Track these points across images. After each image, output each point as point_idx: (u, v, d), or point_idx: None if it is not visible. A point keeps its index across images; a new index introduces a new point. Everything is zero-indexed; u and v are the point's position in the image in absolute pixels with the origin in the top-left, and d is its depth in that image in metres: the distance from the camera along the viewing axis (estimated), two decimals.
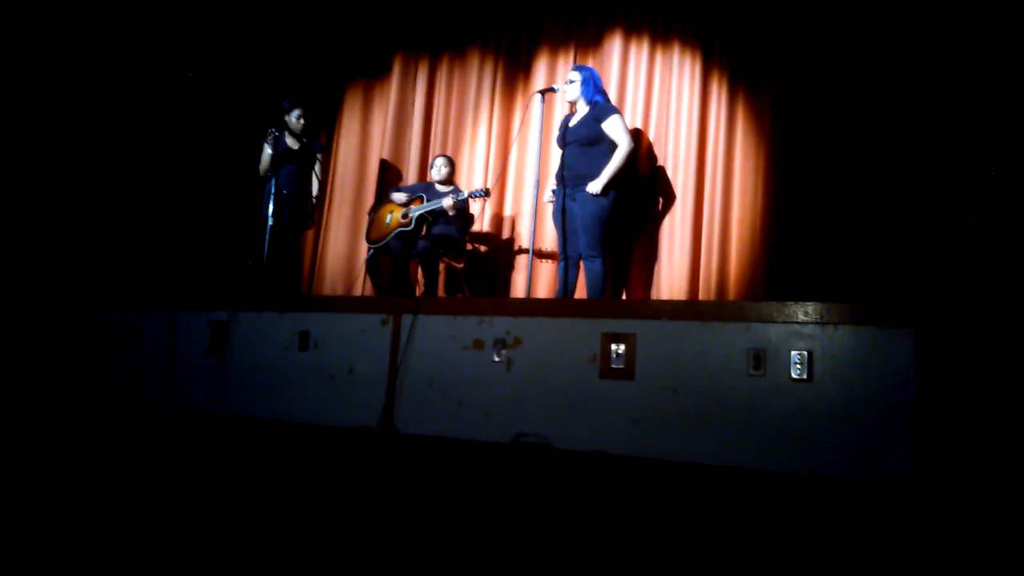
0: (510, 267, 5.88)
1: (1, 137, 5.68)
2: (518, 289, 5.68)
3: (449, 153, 6.10)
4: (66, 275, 5.72)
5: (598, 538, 2.74)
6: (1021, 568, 2.48)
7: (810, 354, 3.22)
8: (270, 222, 5.27)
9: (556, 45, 5.93)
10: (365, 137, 6.69)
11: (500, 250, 5.96)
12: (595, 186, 4.61)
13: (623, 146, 4.69)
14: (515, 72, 6.14)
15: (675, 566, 2.41)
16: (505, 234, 5.96)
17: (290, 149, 5.63)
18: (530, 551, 2.49)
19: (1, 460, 3.56)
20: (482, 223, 5.97)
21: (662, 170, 5.36)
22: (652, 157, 5.42)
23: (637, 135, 5.35)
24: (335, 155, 6.74)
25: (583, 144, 4.75)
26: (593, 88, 4.86)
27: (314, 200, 5.89)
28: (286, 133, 5.60)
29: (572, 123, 4.88)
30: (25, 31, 5.73)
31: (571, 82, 4.89)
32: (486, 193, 5.26)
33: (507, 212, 5.98)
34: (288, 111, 5.64)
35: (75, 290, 5.53)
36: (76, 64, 5.97)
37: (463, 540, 2.59)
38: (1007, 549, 2.63)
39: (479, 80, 6.20)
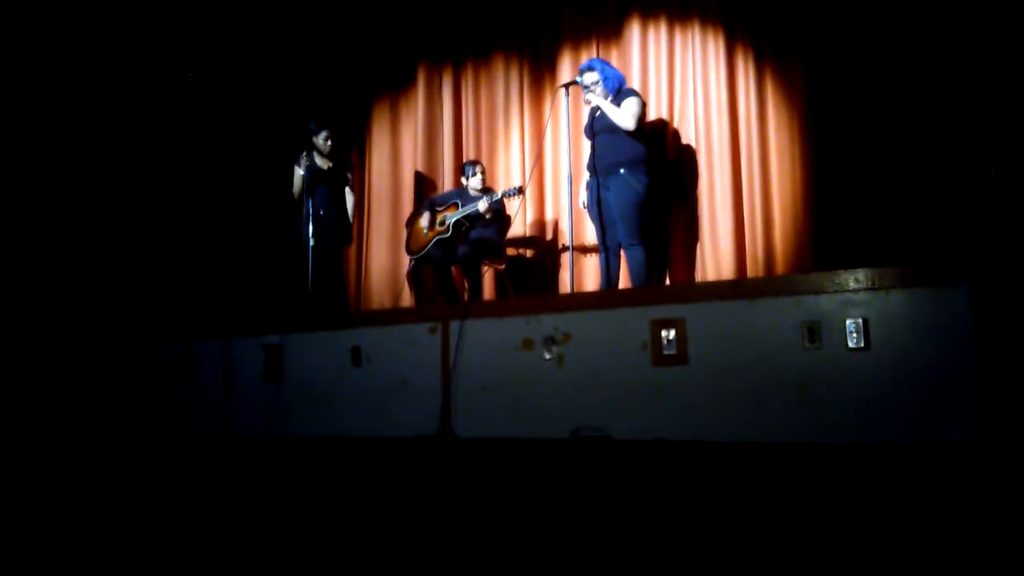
0: (553, 265, 5.88)
1: (53, 181, 5.85)
2: (563, 286, 5.68)
3: (483, 157, 6.13)
4: (117, 312, 5.85)
5: (665, 523, 2.73)
6: None
7: (865, 321, 3.16)
8: (311, 243, 5.35)
9: (577, 40, 5.92)
10: (396, 150, 6.75)
11: (542, 249, 5.96)
12: (593, 97, 4.71)
13: (625, 120, 4.67)
14: (540, 71, 6.14)
15: (746, 545, 2.39)
16: (545, 232, 5.96)
17: (321, 169, 5.69)
18: (599, 540, 2.48)
19: (75, 494, 3.66)
20: (524, 224, 5.98)
21: (694, 151, 5.31)
22: (683, 140, 5.38)
23: (663, 123, 5.33)
24: (368, 170, 6.81)
25: (611, 130, 4.72)
26: (613, 79, 4.83)
27: (350, 217, 5.96)
28: (315, 154, 5.67)
29: (599, 113, 4.86)
30: (58, 74, 5.89)
31: (595, 82, 4.80)
32: (520, 191, 5.27)
33: (546, 210, 5.98)
34: (316, 133, 5.71)
35: (127, 327, 5.66)
36: (114, 103, 6.11)
37: (531, 535, 2.60)
38: None
39: (506, 83, 6.22)
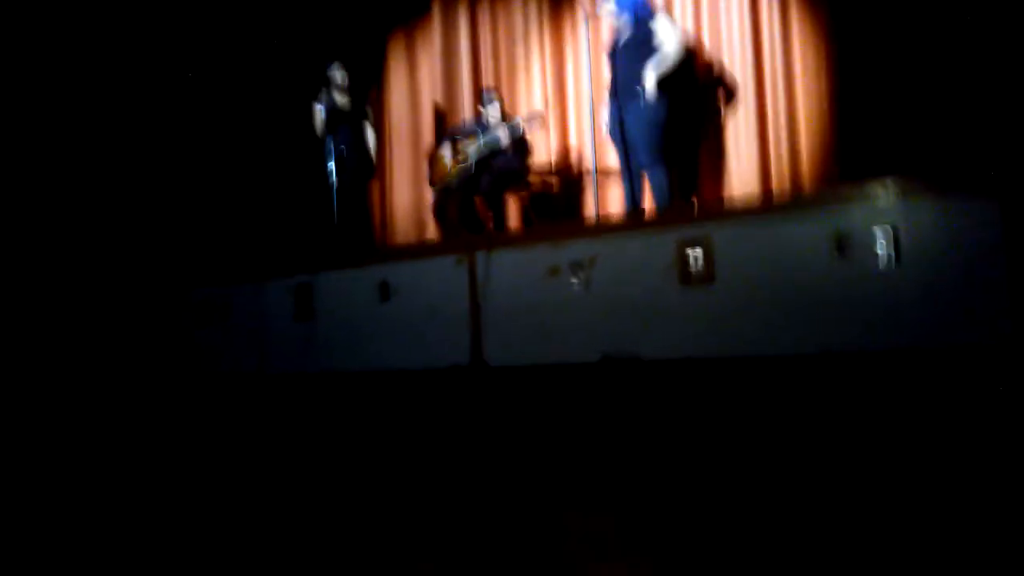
0: (577, 191, 5.84)
1: (91, 134, 5.92)
2: (588, 212, 5.65)
3: (503, 86, 6.05)
4: (153, 258, 5.95)
5: (698, 441, 2.76)
6: None
7: (895, 231, 3.12)
8: (334, 181, 5.36)
9: None
10: (414, 84, 6.69)
11: (565, 176, 5.92)
12: (648, 83, 4.49)
13: (671, 44, 4.55)
14: None
15: (780, 460, 2.42)
16: (569, 158, 5.91)
17: (341, 106, 5.67)
18: (633, 463, 2.53)
19: (120, 434, 3.78)
20: (547, 151, 5.92)
21: (719, 71, 5.19)
22: (706, 57, 5.26)
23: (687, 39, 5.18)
24: (388, 107, 6.77)
25: (632, 50, 4.62)
26: (632, 4, 4.71)
27: (372, 153, 5.95)
28: (334, 91, 5.64)
29: (621, 34, 4.76)
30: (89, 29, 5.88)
31: (610, 13, 4.73)
32: (540, 117, 5.20)
33: (570, 136, 5.92)
34: (331, 70, 5.68)
35: (163, 271, 5.75)
36: (130, 60, 6.11)
37: (568, 459, 2.64)
38: None
39: (524, 9, 6.09)
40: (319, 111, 5.62)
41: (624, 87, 4.66)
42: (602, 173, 5.40)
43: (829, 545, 1.58)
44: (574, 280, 3.91)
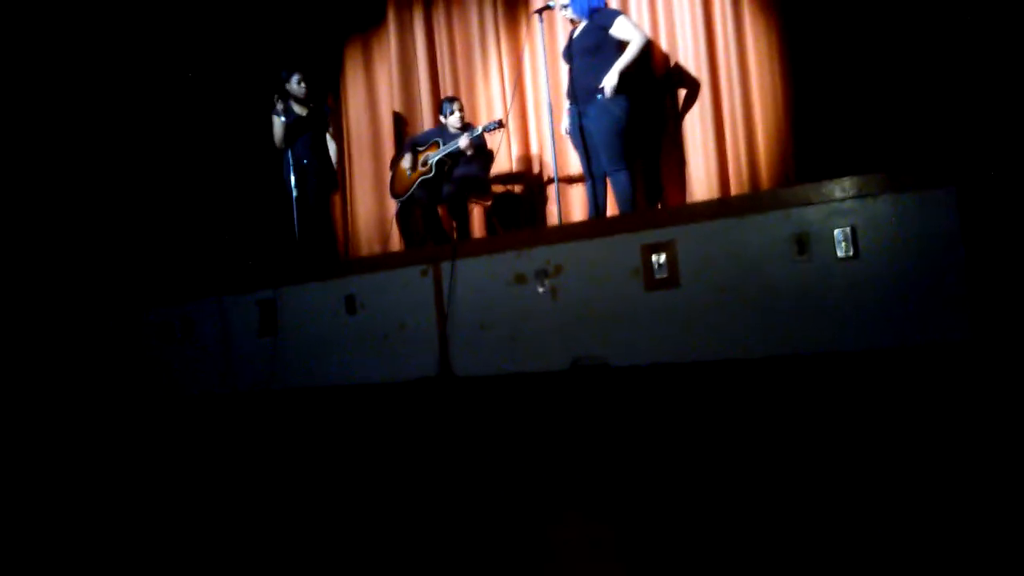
0: (541, 198, 5.84)
1: (38, 149, 5.80)
2: (552, 219, 5.65)
3: (461, 92, 6.04)
4: (107, 280, 5.85)
5: (666, 442, 2.78)
6: None
7: (853, 230, 3.17)
8: (295, 193, 5.30)
9: None
10: (372, 92, 6.65)
11: (528, 183, 5.92)
12: (608, 82, 4.50)
13: (635, 41, 4.53)
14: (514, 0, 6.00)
15: (749, 456, 2.44)
16: (530, 164, 5.91)
17: (300, 117, 5.60)
18: (602, 463, 2.53)
19: (83, 459, 3.71)
20: (509, 158, 5.92)
21: (674, 72, 5.23)
22: (665, 60, 5.29)
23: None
24: (346, 116, 6.72)
25: (589, 53, 4.62)
26: (586, 3, 4.72)
27: (334, 164, 5.90)
28: (292, 101, 5.57)
29: (576, 35, 4.76)
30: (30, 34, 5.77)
31: (564, 6, 4.75)
32: (500, 124, 5.20)
33: (530, 142, 5.91)
34: (287, 80, 5.60)
35: (119, 293, 5.65)
36: (87, 68, 6.01)
37: (537, 464, 2.64)
38: None
39: (480, 14, 6.08)
40: (278, 122, 5.55)
41: (582, 90, 4.67)
42: (564, 179, 5.42)
43: (799, 547, 1.59)
44: (540, 288, 3.91)
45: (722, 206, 3.62)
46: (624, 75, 4.53)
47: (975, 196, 2.98)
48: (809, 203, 3.27)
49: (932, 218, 3.03)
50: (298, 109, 5.62)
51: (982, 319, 2.93)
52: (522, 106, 5.90)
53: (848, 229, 3.18)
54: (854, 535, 1.64)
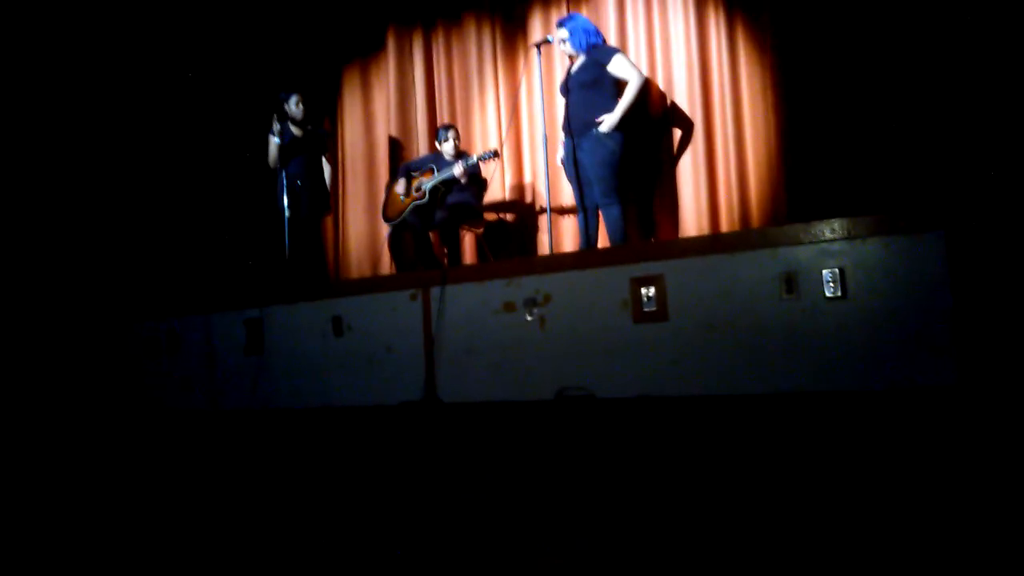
0: (533, 228, 5.87)
1: (28, 158, 5.78)
2: (543, 249, 5.68)
3: (458, 120, 6.09)
4: (95, 292, 5.81)
5: (649, 477, 2.77)
6: None
7: (842, 271, 3.19)
8: (287, 214, 5.30)
9: None
10: (369, 117, 6.69)
11: (520, 212, 5.95)
12: (609, 120, 4.55)
13: (633, 81, 4.61)
14: (513, 32, 6.07)
15: (731, 496, 2.43)
16: (523, 194, 5.94)
17: (296, 138, 5.62)
18: (585, 497, 2.52)
19: (64, 471, 3.66)
20: (502, 187, 5.95)
21: (671, 110, 5.29)
22: (660, 98, 5.35)
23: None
24: (342, 139, 6.75)
25: (586, 88, 4.69)
26: (584, 35, 4.79)
27: (328, 187, 5.91)
28: (289, 123, 5.59)
29: (574, 70, 4.82)
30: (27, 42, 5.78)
31: (563, 41, 4.82)
32: (495, 155, 5.23)
33: (524, 172, 5.95)
34: (286, 100, 5.63)
35: (106, 305, 5.62)
36: (80, 79, 6.02)
37: (518, 496, 2.63)
38: None
39: (478, 45, 6.15)
40: (273, 143, 5.56)
41: (578, 123, 4.72)
42: (556, 210, 5.45)
43: None
44: (529, 316, 3.92)
45: (712, 242, 3.64)
46: (626, 114, 4.60)
47: (964, 241, 3.01)
48: (799, 243, 3.30)
49: (921, 262, 3.06)
50: (295, 130, 5.64)
51: (968, 365, 2.94)
52: (517, 136, 5.95)
53: (837, 270, 3.20)
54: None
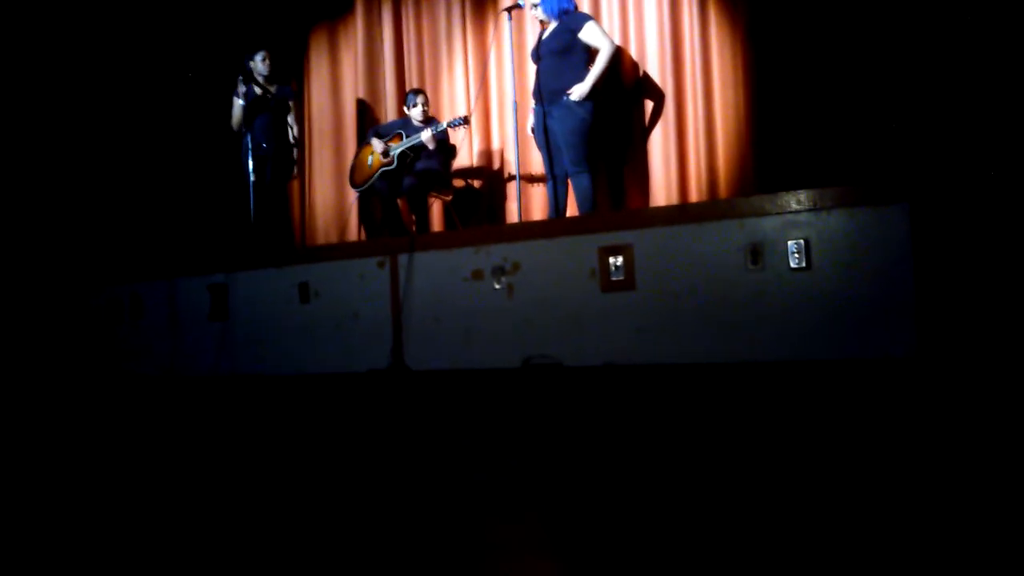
0: (501, 195, 5.85)
1: None
2: (511, 216, 5.66)
3: (426, 85, 6.02)
4: (57, 256, 5.70)
5: (615, 445, 2.80)
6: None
7: (807, 242, 3.23)
8: (252, 178, 5.21)
9: None
10: (336, 81, 6.59)
11: (489, 179, 5.92)
12: (579, 89, 4.53)
13: (605, 49, 4.59)
14: None
15: (695, 463, 2.47)
16: (492, 162, 5.91)
17: (260, 97, 5.50)
18: (551, 465, 2.54)
19: (21, 438, 3.61)
20: (470, 154, 5.91)
21: (642, 80, 5.27)
22: (632, 67, 5.33)
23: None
24: (308, 103, 6.65)
25: (557, 55, 4.65)
26: (556, 1, 4.73)
27: (294, 149, 5.82)
28: (254, 85, 5.48)
29: (545, 36, 4.78)
30: None
31: (534, 5, 4.77)
32: (465, 121, 5.19)
33: (493, 139, 5.91)
34: (251, 58, 5.51)
35: (68, 270, 5.52)
36: (39, 37, 5.84)
37: (484, 463, 2.64)
38: (1012, 417, 2.69)
39: (448, 8, 6.06)
40: (237, 104, 5.45)
41: (548, 91, 4.69)
42: (526, 178, 5.42)
43: (732, 550, 1.61)
44: (497, 285, 3.91)
45: (680, 212, 3.66)
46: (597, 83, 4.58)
47: (928, 213, 3.05)
48: (765, 214, 3.32)
49: (885, 233, 3.10)
50: (260, 91, 5.52)
51: (928, 336, 3.00)
52: (486, 103, 5.90)
53: (802, 241, 3.23)
54: (789, 545, 1.66)
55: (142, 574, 1.72)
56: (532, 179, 5.53)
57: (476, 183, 5.97)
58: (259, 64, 5.51)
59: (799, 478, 2.19)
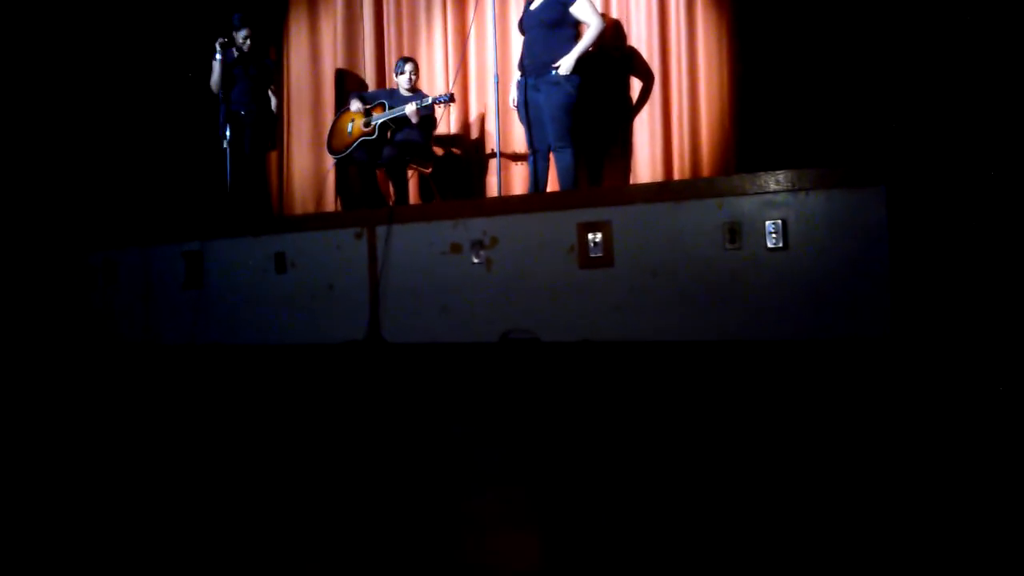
0: (482, 168, 5.81)
1: None
2: (491, 190, 5.63)
3: (407, 53, 5.93)
4: (30, 222, 5.60)
5: (589, 421, 2.82)
6: (998, 415, 2.58)
7: (784, 223, 3.25)
8: (227, 143, 5.14)
9: None
10: (316, 48, 6.49)
11: (470, 151, 5.88)
12: (566, 62, 4.51)
13: (593, 25, 4.56)
14: None
15: (669, 440, 2.49)
16: (473, 134, 5.86)
17: (239, 62, 5.41)
18: (526, 439, 2.55)
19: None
20: (448, 125, 5.86)
21: (629, 56, 5.24)
22: (619, 45, 5.29)
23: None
24: (287, 70, 6.55)
25: (545, 27, 4.60)
26: None
27: (273, 118, 5.75)
28: (234, 49, 5.38)
29: (533, 7, 4.72)
30: None
31: None
32: (450, 98, 5.11)
33: (472, 111, 5.86)
34: (237, 28, 5.42)
35: (44, 234, 5.43)
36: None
37: (460, 437, 2.65)
38: (984, 398, 2.73)
39: None
40: (216, 65, 5.34)
41: (536, 63, 4.64)
42: (507, 152, 5.39)
43: (711, 532, 1.64)
44: (475, 259, 3.91)
45: (660, 190, 3.66)
46: (583, 56, 4.55)
47: (905, 196, 3.07)
48: (744, 194, 3.34)
49: (861, 215, 3.12)
50: (239, 56, 5.44)
51: (902, 317, 3.04)
52: (466, 74, 5.84)
53: (779, 221, 3.25)
54: (756, 525, 1.69)
55: (114, 542, 1.71)
56: (513, 154, 5.50)
57: (456, 155, 5.93)
58: (240, 40, 5.42)
59: (773, 456, 2.22)
